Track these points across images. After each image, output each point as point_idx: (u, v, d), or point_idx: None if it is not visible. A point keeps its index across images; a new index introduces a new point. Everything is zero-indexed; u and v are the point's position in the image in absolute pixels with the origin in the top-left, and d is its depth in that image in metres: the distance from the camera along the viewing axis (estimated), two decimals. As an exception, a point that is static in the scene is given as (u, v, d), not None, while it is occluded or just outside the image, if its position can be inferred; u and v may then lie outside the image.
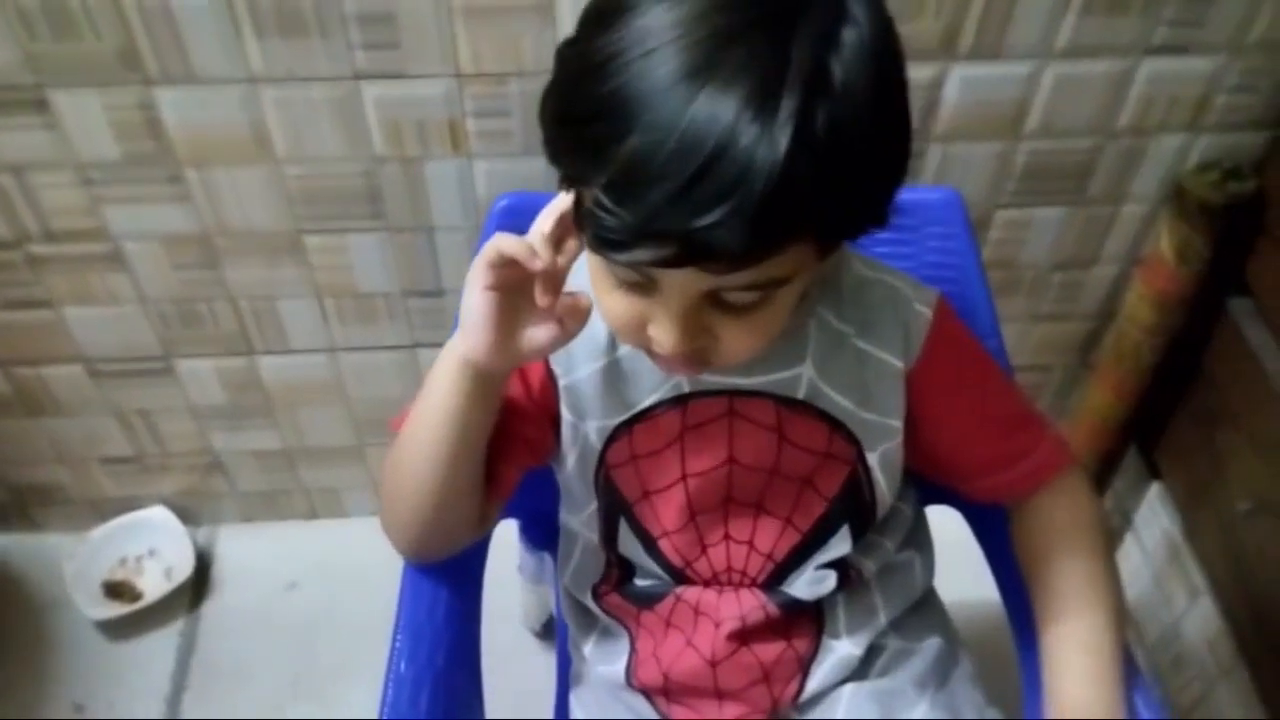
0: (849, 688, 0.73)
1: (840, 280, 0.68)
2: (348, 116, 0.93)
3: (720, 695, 0.73)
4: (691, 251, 0.48)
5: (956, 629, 0.80)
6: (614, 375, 0.68)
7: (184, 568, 1.25)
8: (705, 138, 0.46)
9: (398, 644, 0.69)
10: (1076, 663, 0.67)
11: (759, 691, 0.72)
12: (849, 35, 0.49)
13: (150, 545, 1.28)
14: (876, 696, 0.73)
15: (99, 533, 1.27)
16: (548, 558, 0.97)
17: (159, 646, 1.22)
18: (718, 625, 0.72)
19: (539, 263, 0.56)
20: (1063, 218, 1.06)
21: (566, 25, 0.87)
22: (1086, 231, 1.08)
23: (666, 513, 0.70)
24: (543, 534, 0.91)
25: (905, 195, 0.83)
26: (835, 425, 0.67)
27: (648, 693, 0.75)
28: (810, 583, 0.72)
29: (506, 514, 0.84)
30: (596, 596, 0.76)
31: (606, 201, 0.48)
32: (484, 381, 0.62)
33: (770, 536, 0.70)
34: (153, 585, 1.25)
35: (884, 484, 0.70)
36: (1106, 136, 0.99)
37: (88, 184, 0.96)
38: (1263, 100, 0.97)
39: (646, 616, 0.74)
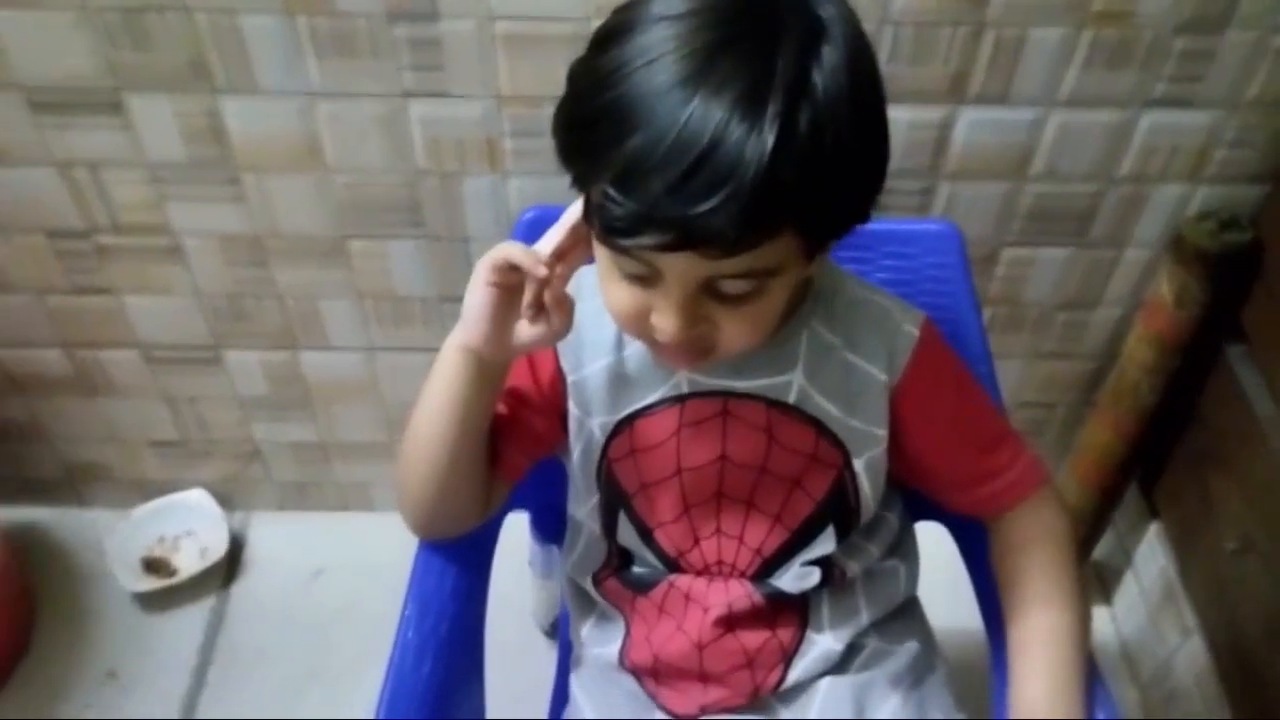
0: (826, 680, 0.77)
1: (834, 298, 0.73)
2: (394, 132, 1.00)
3: (705, 678, 0.77)
4: (689, 237, 0.54)
5: (935, 637, 0.84)
6: (619, 374, 0.73)
7: (218, 549, 1.31)
8: (700, 135, 0.52)
9: (406, 612, 0.75)
10: (1039, 662, 0.71)
11: (742, 677, 0.76)
12: (828, 50, 0.55)
13: (188, 526, 1.34)
14: (851, 690, 0.77)
15: (141, 511, 1.34)
16: (556, 551, 1.02)
17: (190, 621, 1.28)
18: (706, 611, 0.76)
19: (541, 270, 0.62)
20: (1067, 258, 1.10)
21: (599, 56, 0.93)
22: (1090, 273, 1.11)
23: (662, 504, 0.74)
24: (552, 527, 0.96)
25: (904, 226, 0.90)
26: (822, 430, 0.72)
27: (638, 673, 0.79)
28: (796, 578, 0.76)
29: (518, 505, 0.90)
30: (596, 582, 0.81)
31: (613, 193, 0.54)
32: (482, 369, 0.68)
33: (759, 532, 0.75)
34: (188, 563, 1.31)
35: (868, 490, 0.74)
36: (1109, 183, 1.03)
37: (155, 182, 1.04)
38: (1259, 155, 1.00)
39: (641, 602, 0.79)
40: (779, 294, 0.62)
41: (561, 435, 0.77)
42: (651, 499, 0.75)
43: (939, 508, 0.80)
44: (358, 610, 1.28)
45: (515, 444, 0.75)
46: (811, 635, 0.77)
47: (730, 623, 0.76)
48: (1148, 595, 1.21)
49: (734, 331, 0.62)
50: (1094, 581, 1.32)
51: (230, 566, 1.33)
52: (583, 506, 0.79)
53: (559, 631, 1.15)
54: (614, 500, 0.76)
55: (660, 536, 0.76)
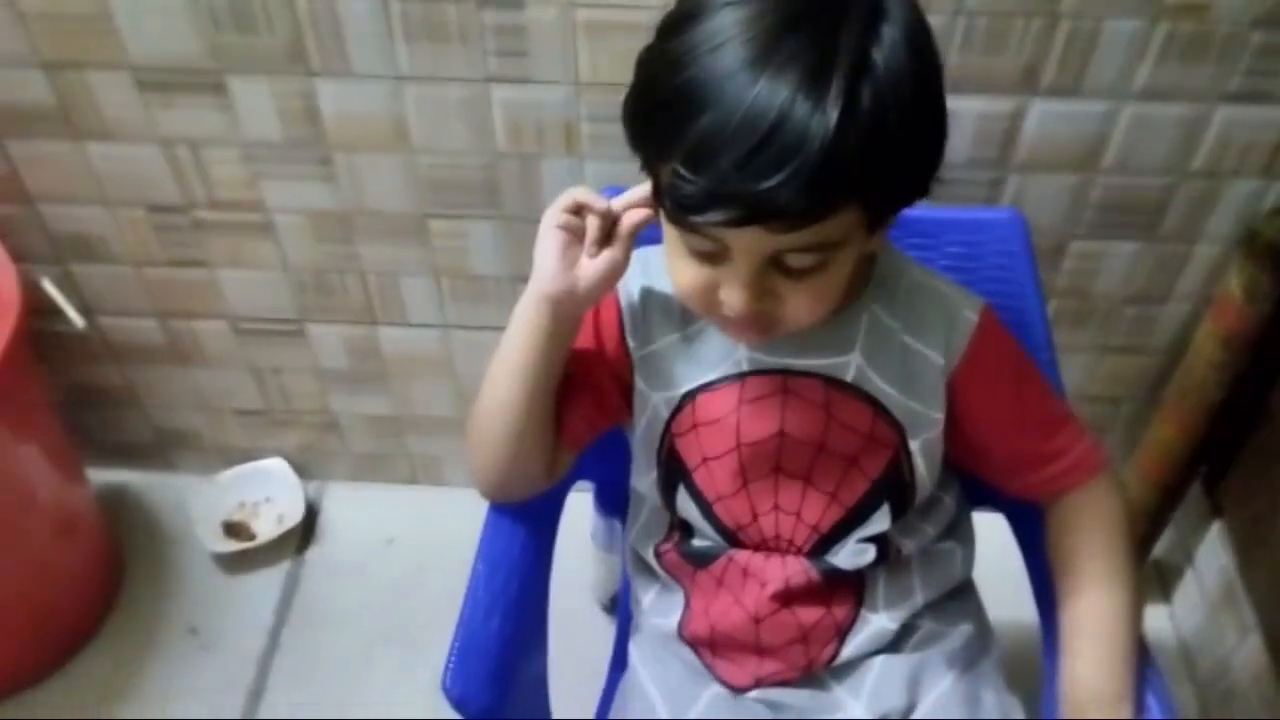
0: (880, 658, 0.79)
1: (896, 282, 0.75)
2: (476, 115, 1.03)
3: (760, 651, 0.79)
4: (756, 213, 0.57)
5: (990, 623, 0.85)
6: (684, 350, 0.76)
7: (294, 515, 1.36)
8: (765, 113, 0.55)
9: (477, 570, 0.78)
10: (1090, 643, 0.72)
11: (796, 651, 0.78)
12: (888, 29, 0.57)
13: (267, 493, 1.39)
14: (906, 669, 0.78)
15: (224, 477, 1.39)
16: (618, 525, 1.05)
17: (267, 583, 1.33)
18: (763, 586, 0.78)
19: (604, 203, 0.69)
20: (1136, 252, 1.10)
21: (676, 44, 0.96)
22: (1159, 267, 1.11)
23: (722, 477, 0.77)
24: (615, 500, 0.99)
25: (970, 214, 0.91)
26: (879, 409, 0.74)
27: (695, 645, 0.81)
28: (852, 554, 0.77)
29: (583, 477, 0.93)
30: (658, 555, 0.83)
31: (683, 172, 0.57)
32: (551, 320, 0.71)
33: (816, 509, 0.77)
34: (266, 528, 1.36)
35: (924, 470, 0.76)
36: (1181, 177, 1.03)
37: (250, 160, 1.08)
38: (1337, 151, 1.00)
39: (701, 575, 0.81)
40: (842, 268, 0.64)
41: (625, 408, 0.79)
42: (711, 472, 0.77)
43: (996, 492, 0.82)
44: (427, 578, 1.32)
45: (579, 412, 0.78)
46: (866, 614, 0.79)
47: (787, 598, 0.78)
48: (1207, 594, 1.21)
49: (798, 305, 0.65)
50: (1153, 579, 1.31)
51: (306, 533, 1.38)
52: (645, 479, 0.81)
53: (616, 607, 1.18)
54: (675, 473, 0.78)
55: (720, 510, 0.78)
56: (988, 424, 0.76)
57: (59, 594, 1.24)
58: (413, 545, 1.37)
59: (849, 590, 0.79)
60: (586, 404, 0.78)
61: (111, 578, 1.32)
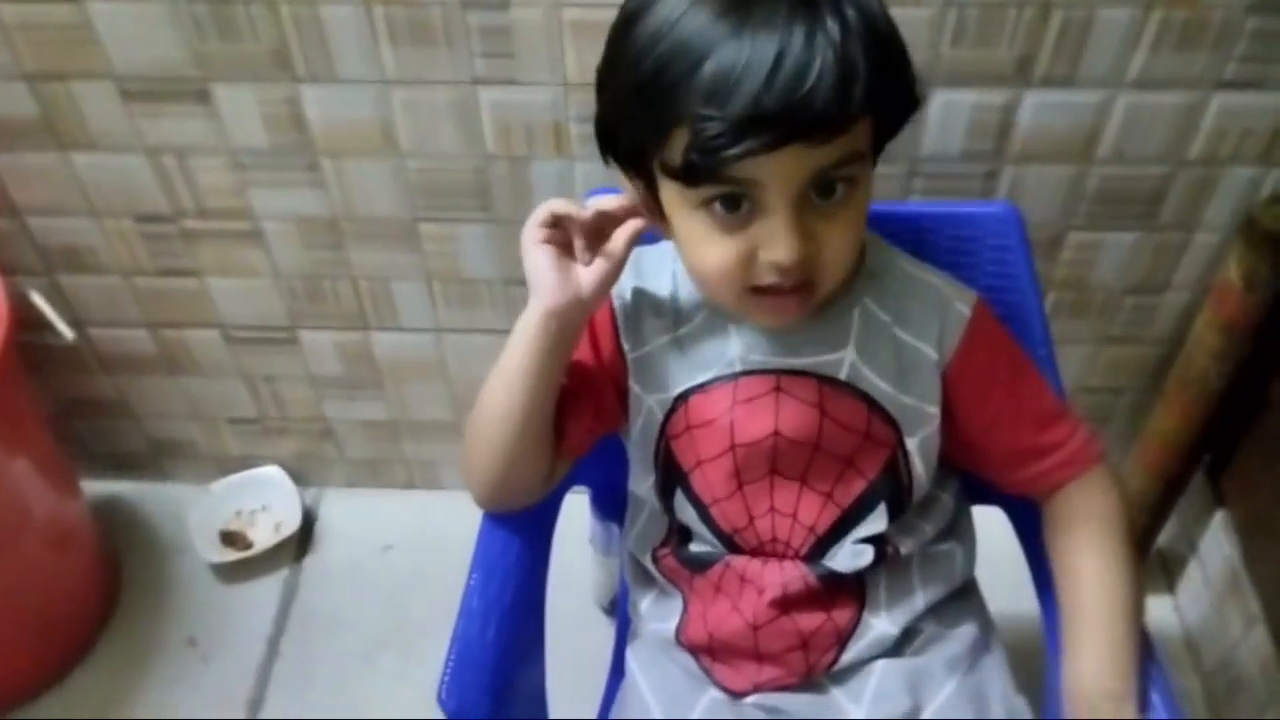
0: (881, 663, 0.78)
1: (886, 276, 0.74)
2: (465, 118, 1.02)
3: (760, 657, 0.78)
4: (795, 125, 0.57)
5: (993, 621, 0.85)
6: (677, 351, 0.75)
7: (292, 523, 1.35)
8: (769, 41, 0.57)
9: (472, 580, 0.77)
10: (1091, 636, 0.71)
11: (796, 657, 0.77)
12: None
13: (264, 501, 1.39)
14: (907, 673, 0.77)
15: (220, 486, 1.39)
16: (616, 529, 1.04)
17: (265, 592, 1.32)
18: (761, 592, 0.77)
19: (584, 211, 0.67)
20: (1135, 242, 1.09)
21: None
22: (1158, 257, 1.10)
23: (717, 480, 0.76)
24: (612, 505, 0.98)
25: (964, 208, 0.90)
26: (873, 406, 0.73)
27: (693, 650, 0.81)
28: (849, 556, 0.77)
29: (579, 482, 0.92)
30: (655, 559, 0.83)
31: (706, 113, 0.57)
32: (553, 338, 0.70)
33: (812, 510, 0.76)
34: (263, 537, 1.35)
35: (921, 468, 0.75)
36: (1178, 165, 1.02)
37: (238, 168, 1.08)
38: (1336, 137, 0.99)
39: (698, 581, 0.80)
40: (863, 201, 0.65)
41: (622, 413, 0.79)
42: (707, 475, 0.76)
43: (993, 489, 0.81)
44: (426, 584, 1.32)
45: (578, 420, 0.77)
46: (868, 618, 0.78)
47: (785, 605, 0.77)
48: (1212, 584, 1.20)
49: (836, 245, 0.64)
50: (1157, 570, 1.31)
51: (303, 540, 1.38)
52: (643, 483, 0.80)
53: (616, 609, 1.17)
54: (671, 477, 0.78)
55: (716, 513, 0.77)
56: (982, 418, 0.76)
57: (55, 607, 1.23)
58: (411, 550, 1.37)
59: (850, 595, 0.79)
60: (587, 413, 0.77)
61: (108, 589, 1.32)
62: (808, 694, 0.79)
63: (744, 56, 0.56)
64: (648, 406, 0.77)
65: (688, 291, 0.76)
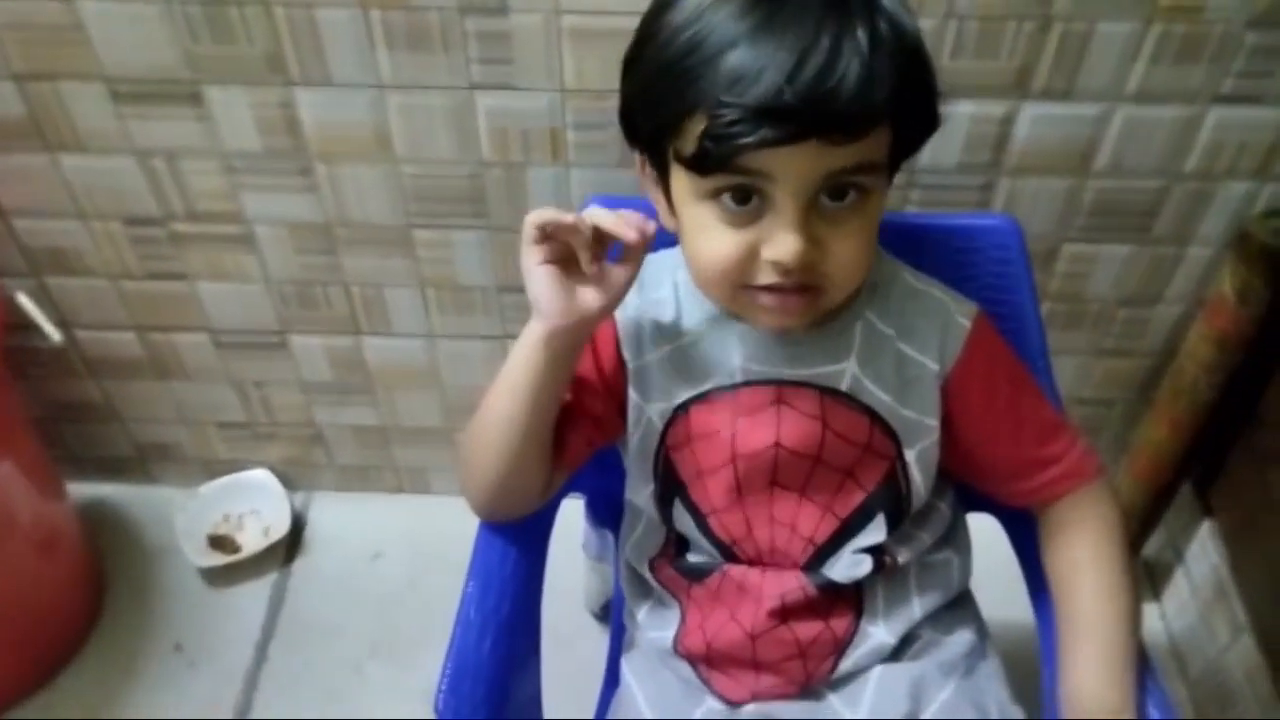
0: (879, 669, 0.78)
1: (889, 289, 0.75)
2: (461, 123, 1.02)
3: (758, 666, 0.78)
4: (813, 121, 0.57)
5: (988, 628, 0.85)
6: (678, 361, 0.75)
7: (281, 528, 1.34)
8: (797, 37, 0.57)
9: (468, 591, 0.76)
10: (1088, 650, 0.72)
11: (794, 666, 0.78)
12: None
13: (252, 505, 1.38)
14: (906, 679, 0.77)
15: (208, 489, 1.38)
16: (610, 536, 1.04)
17: (253, 597, 1.31)
18: (759, 602, 0.77)
19: (571, 218, 0.65)
20: (1129, 255, 1.09)
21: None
22: (1152, 270, 1.10)
23: (717, 492, 0.76)
24: (606, 512, 0.98)
25: (964, 220, 0.90)
26: (875, 419, 0.73)
27: (691, 659, 0.81)
28: (847, 566, 0.77)
29: (574, 489, 0.91)
30: (652, 569, 0.83)
31: (726, 100, 0.58)
32: (556, 355, 0.69)
33: (811, 521, 0.76)
34: (251, 541, 1.34)
35: (920, 480, 0.75)
36: (1174, 179, 1.03)
37: (230, 172, 1.07)
38: (1330, 153, 0.99)
39: (696, 590, 0.80)
40: (875, 212, 0.65)
41: (621, 424, 0.78)
42: (706, 486, 0.76)
43: (991, 500, 0.81)
44: (416, 589, 1.31)
45: (578, 431, 0.77)
46: (865, 627, 0.78)
47: (783, 614, 0.77)
48: (1199, 593, 1.21)
49: (843, 253, 0.64)
50: (1144, 579, 1.31)
51: (292, 545, 1.37)
52: (641, 493, 0.80)
53: (609, 615, 1.17)
54: (670, 487, 0.77)
55: (714, 524, 0.77)
56: (982, 430, 0.76)
57: (41, 611, 1.21)
58: (401, 556, 1.36)
59: (847, 604, 0.79)
60: (587, 425, 0.77)
61: (94, 594, 1.30)
62: (806, 702, 0.79)
63: (770, 50, 0.57)
64: (648, 417, 0.76)
65: (689, 301, 0.75)
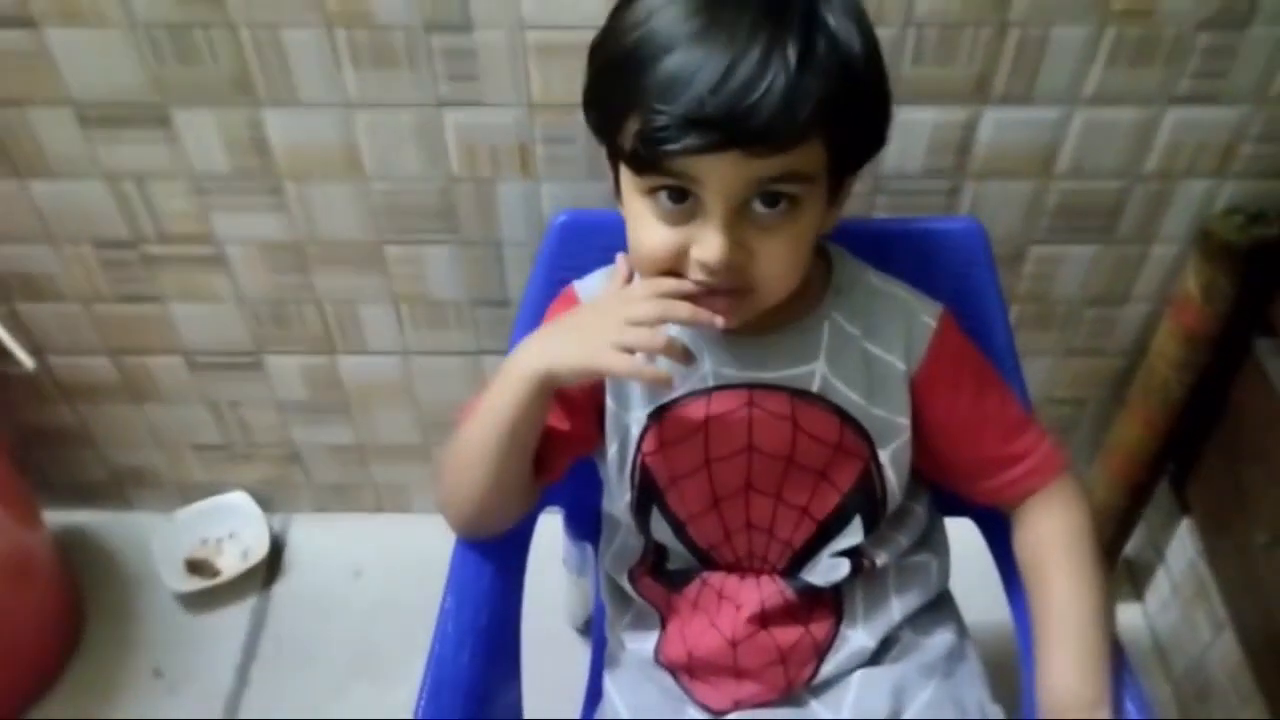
0: (860, 673, 0.79)
1: (854, 289, 0.76)
2: (429, 139, 1.02)
3: (739, 674, 0.78)
4: (734, 132, 0.58)
5: (968, 629, 0.85)
6: (651, 367, 0.75)
7: (259, 550, 1.34)
8: (727, 48, 0.59)
9: (446, 605, 0.76)
10: (1063, 646, 0.72)
11: (775, 672, 0.78)
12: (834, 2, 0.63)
13: (230, 528, 1.37)
14: (888, 682, 0.78)
15: (185, 514, 1.37)
16: (590, 549, 1.04)
17: (233, 620, 1.30)
18: (739, 608, 0.78)
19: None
20: (1094, 255, 1.10)
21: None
22: (1118, 270, 1.12)
23: (693, 497, 0.76)
24: (586, 525, 0.98)
25: (929, 224, 0.91)
26: (846, 418, 0.74)
27: (672, 669, 0.81)
28: (826, 570, 0.77)
29: (552, 502, 0.91)
30: (632, 579, 0.83)
31: (657, 106, 0.59)
32: (543, 393, 0.70)
33: (788, 525, 0.77)
34: (230, 564, 1.33)
35: (894, 481, 0.76)
36: (1135, 180, 1.04)
37: (199, 193, 1.07)
38: (1288, 150, 1.01)
39: (676, 599, 0.81)
40: (807, 226, 0.66)
41: (599, 435, 0.79)
42: (682, 492, 0.76)
43: (961, 500, 0.82)
44: (397, 609, 1.30)
45: (559, 447, 0.77)
46: (845, 631, 0.79)
47: (763, 620, 0.77)
48: (1179, 591, 1.22)
49: (770, 259, 0.65)
50: (1125, 578, 1.32)
51: (271, 567, 1.36)
52: (618, 503, 0.80)
53: (590, 629, 1.17)
54: (648, 495, 0.78)
55: (692, 530, 0.78)
56: (948, 429, 0.77)
57: (18, 640, 1.20)
58: (381, 575, 1.36)
59: (826, 608, 0.79)
60: (565, 439, 0.77)
61: (72, 621, 1.29)
62: (787, 708, 0.79)
63: (702, 57, 0.58)
64: (624, 425, 0.77)
65: None
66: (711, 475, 0.75)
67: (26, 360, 1.14)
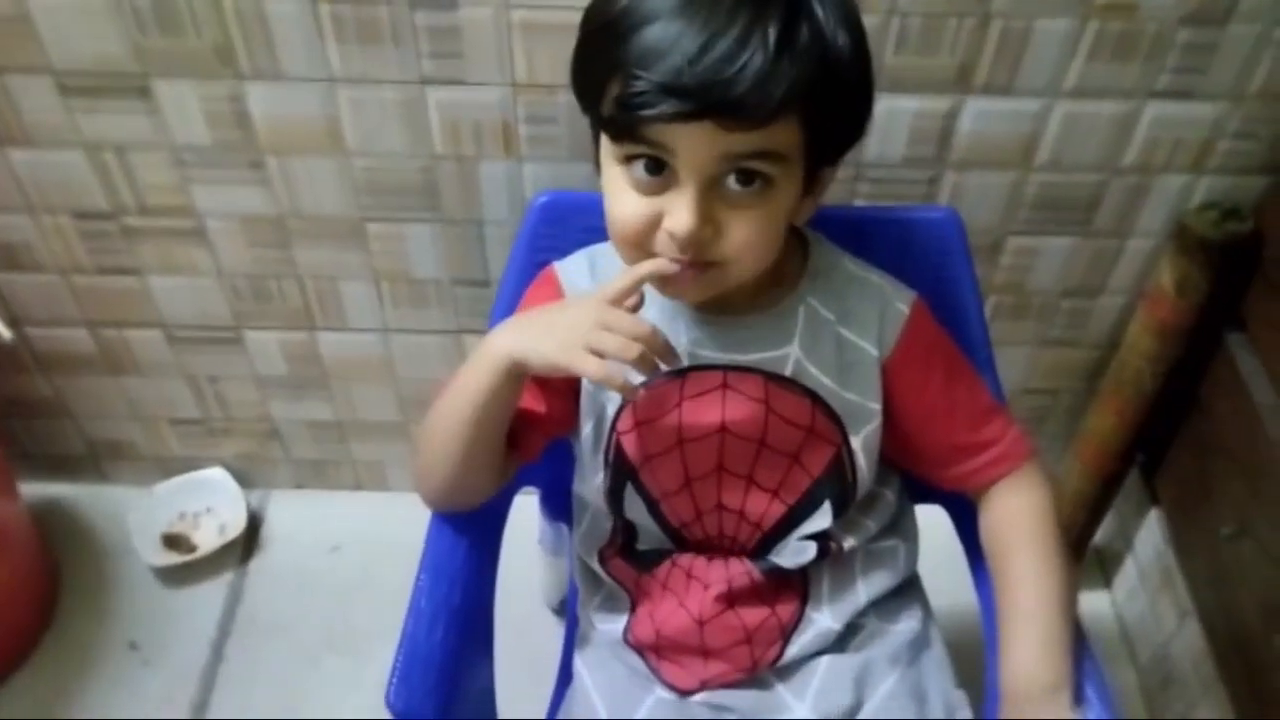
0: (826, 658, 0.80)
1: (830, 275, 0.76)
2: (412, 117, 1.02)
3: (706, 653, 0.79)
4: (709, 102, 0.59)
5: (934, 614, 0.86)
6: None
7: (237, 526, 1.34)
8: (710, 21, 0.59)
9: (420, 581, 0.77)
10: (1025, 630, 0.73)
11: (741, 652, 0.79)
12: None
13: (208, 503, 1.37)
14: (851, 669, 0.79)
15: (162, 488, 1.36)
16: (565, 529, 1.05)
17: (209, 595, 1.31)
18: (706, 588, 0.79)
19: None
20: (1071, 247, 1.11)
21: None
22: (1094, 262, 1.13)
23: (666, 476, 0.77)
24: (561, 504, 0.98)
25: (906, 213, 0.92)
26: (817, 401, 0.75)
27: (641, 649, 0.82)
28: (793, 552, 0.78)
29: (528, 483, 0.92)
30: (602, 561, 0.83)
31: (636, 72, 0.60)
32: (514, 377, 0.70)
33: (759, 506, 0.78)
34: (207, 540, 1.33)
35: (865, 466, 0.77)
36: (1113, 173, 1.05)
37: (180, 165, 1.06)
38: (1263, 147, 1.01)
39: (645, 580, 0.82)
40: (779, 208, 0.67)
41: (574, 415, 0.79)
42: (655, 471, 0.77)
43: (930, 486, 0.83)
44: (373, 586, 1.31)
45: (534, 428, 0.77)
46: (810, 613, 0.80)
47: (730, 599, 0.78)
48: (1147, 580, 1.23)
49: (740, 236, 0.65)
50: (1094, 566, 1.34)
51: (248, 543, 1.36)
52: (589, 484, 0.81)
53: (566, 609, 1.18)
54: (622, 473, 0.78)
55: (665, 508, 0.79)
56: (918, 415, 0.78)
57: (-9, 612, 1.20)
58: (358, 552, 1.36)
59: (793, 590, 0.80)
60: (541, 417, 0.77)
61: (47, 594, 1.29)
62: (753, 690, 0.80)
63: (683, 28, 0.59)
64: (599, 403, 0.77)
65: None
66: (684, 455, 0.76)
67: (4, 331, 1.14)
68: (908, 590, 0.86)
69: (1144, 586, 1.24)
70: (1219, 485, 1.06)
